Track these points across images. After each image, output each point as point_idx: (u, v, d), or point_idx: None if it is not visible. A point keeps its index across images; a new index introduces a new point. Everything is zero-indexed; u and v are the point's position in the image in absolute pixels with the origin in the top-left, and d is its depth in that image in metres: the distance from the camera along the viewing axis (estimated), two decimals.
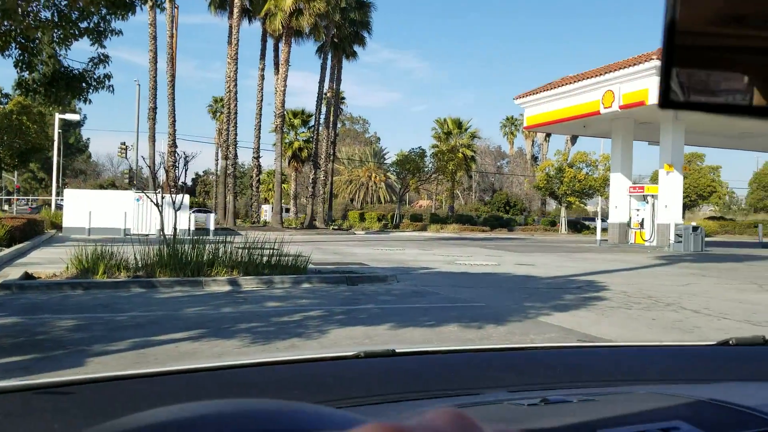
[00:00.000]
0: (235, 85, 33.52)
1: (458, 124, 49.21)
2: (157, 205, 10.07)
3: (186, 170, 11.65)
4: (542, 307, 7.84)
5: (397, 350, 1.35)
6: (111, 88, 8.04)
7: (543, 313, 7.41)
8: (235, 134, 33.49)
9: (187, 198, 28.24)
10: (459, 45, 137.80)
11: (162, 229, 10.13)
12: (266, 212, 42.74)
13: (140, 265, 9.60)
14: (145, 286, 8.91)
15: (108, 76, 7.82)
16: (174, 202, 10.01)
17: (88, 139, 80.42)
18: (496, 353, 1.57)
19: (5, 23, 6.67)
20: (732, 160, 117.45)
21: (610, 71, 24.53)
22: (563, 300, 8.61)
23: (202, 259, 9.71)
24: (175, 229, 9.89)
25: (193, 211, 28.64)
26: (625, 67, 23.88)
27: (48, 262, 11.55)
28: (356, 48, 38.97)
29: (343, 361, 1.31)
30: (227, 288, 9.08)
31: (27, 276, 9.20)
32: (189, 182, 75.90)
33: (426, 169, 44.36)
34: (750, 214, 57.74)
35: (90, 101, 7.89)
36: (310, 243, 22.82)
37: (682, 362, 1.53)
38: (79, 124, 72.65)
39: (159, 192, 11.79)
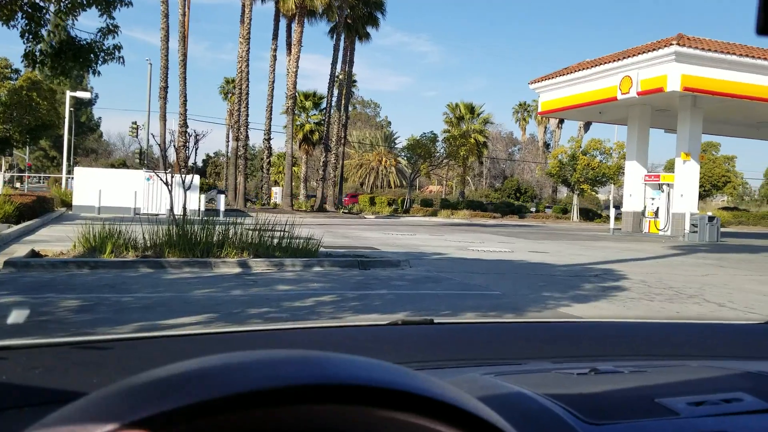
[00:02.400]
0: (247, 65, 33.20)
1: (470, 109, 48.71)
2: (166, 184, 9.86)
3: (196, 149, 11.45)
4: (561, 298, 7.59)
5: (435, 320, 1.33)
6: (121, 60, 7.77)
7: (563, 303, 7.16)
8: (247, 115, 33.22)
9: (197, 178, 28.07)
10: (472, 29, 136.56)
11: (171, 208, 9.93)
12: (276, 194, 42.58)
13: (149, 245, 9.41)
14: (153, 267, 8.73)
15: (118, 47, 7.56)
16: (183, 182, 9.80)
17: (100, 118, 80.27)
18: (537, 325, 1.52)
19: None
20: (746, 150, 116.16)
21: (629, 56, 24.04)
22: (582, 290, 8.36)
23: (211, 239, 9.52)
24: (184, 209, 9.69)
25: (209, 192, 28.71)
26: (644, 53, 23.38)
27: (56, 240, 11.39)
28: (369, 29, 38.49)
29: (381, 328, 1.30)
30: (237, 270, 8.88)
31: (33, 254, 9.04)
32: (200, 163, 76.04)
33: (437, 155, 43.99)
34: (763, 205, 57.08)
35: (99, 73, 7.62)
36: (321, 226, 22.62)
37: (731, 338, 1.50)
38: (90, 103, 72.55)
39: (169, 172, 11.60)
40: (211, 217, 10.84)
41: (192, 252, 9.14)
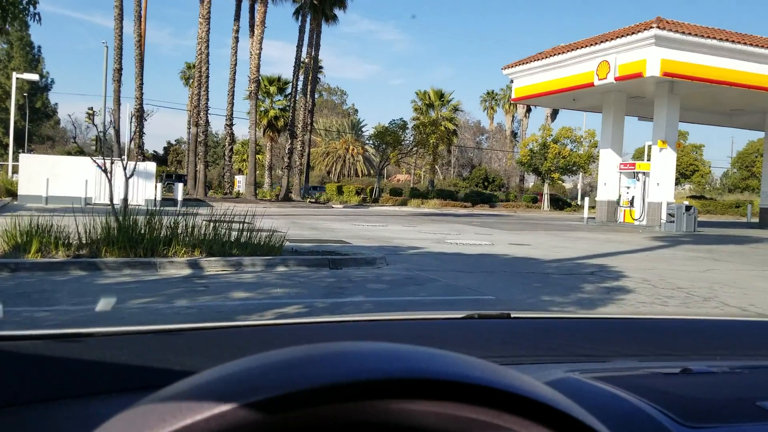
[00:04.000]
0: (207, 46, 31.51)
1: (440, 96, 47.72)
2: (105, 171, 8.52)
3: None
4: (564, 303, 6.56)
5: (512, 314, 1.26)
6: (36, 18, 6.45)
7: (568, 311, 6.12)
8: (207, 99, 31.57)
9: (152, 165, 26.50)
10: (439, 17, 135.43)
11: (111, 199, 8.60)
12: (240, 183, 41.00)
13: (84, 243, 8.10)
14: (86, 269, 7.43)
15: (33, 2, 6.22)
16: (125, 168, 8.48)
17: (56, 104, 76.89)
18: (621, 321, 1.45)
19: None
20: (707, 138, 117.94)
21: (606, 41, 23.21)
22: (584, 292, 7.34)
23: (158, 235, 8.23)
24: (126, 199, 8.39)
25: (166, 180, 27.07)
26: (622, 36, 22.56)
27: None
28: (336, 11, 37.03)
29: (456, 321, 1.25)
30: (186, 272, 7.63)
31: None
32: (161, 151, 73.59)
33: (406, 142, 42.87)
34: (725, 194, 57.51)
35: (7, 32, 6.33)
36: (286, 217, 21.35)
37: None
38: (46, 89, 69.42)
39: (123, 158, 10.29)
40: (161, 208, 9.57)
41: (134, 250, 7.86)
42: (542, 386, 0.51)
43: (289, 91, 40.49)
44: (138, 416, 0.45)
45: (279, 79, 44.13)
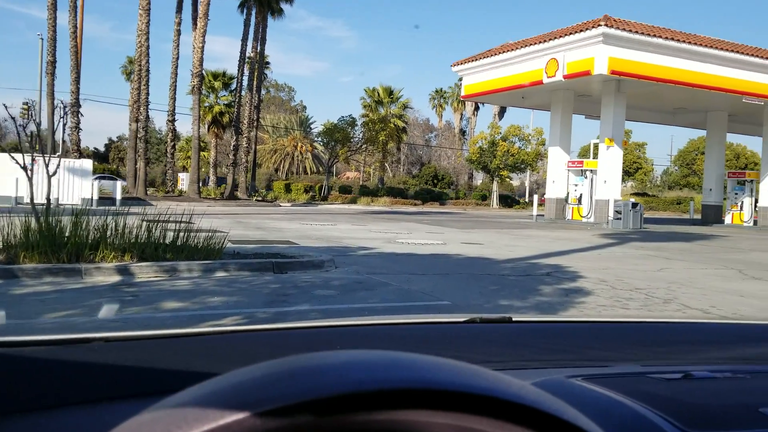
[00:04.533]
0: (147, 39, 30.25)
1: (389, 93, 47.37)
2: (24, 168, 7.74)
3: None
4: (523, 308, 6.20)
5: (513, 318, 1.24)
6: None
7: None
8: (147, 94, 30.30)
9: (88, 163, 25.24)
10: (387, 14, 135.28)
11: (31, 199, 7.82)
12: (183, 181, 39.73)
13: (1, 247, 7.32)
14: (2, 276, 6.68)
15: None
16: (47, 165, 7.71)
17: None
18: (623, 325, 1.42)
19: None
20: (648, 137, 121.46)
21: (555, 38, 23.23)
22: (542, 294, 7.01)
23: (84, 238, 7.51)
24: (48, 199, 7.62)
25: (96, 178, 25.66)
26: (570, 34, 22.62)
27: None
28: (283, 5, 36.20)
29: (456, 325, 1.23)
30: (115, 279, 6.96)
31: None
32: (101, 147, 71.01)
33: (355, 140, 42.34)
34: (665, 191, 59.09)
35: None
36: (230, 216, 20.57)
37: None
38: None
39: (58, 155, 9.51)
40: (96, 207, 8.82)
41: (56, 255, 7.13)
42: (547, 396, 0.51)
43: (234, 86, 39.40)
44: (144, 425, 0.45)
45: (224, 74, 42.93)
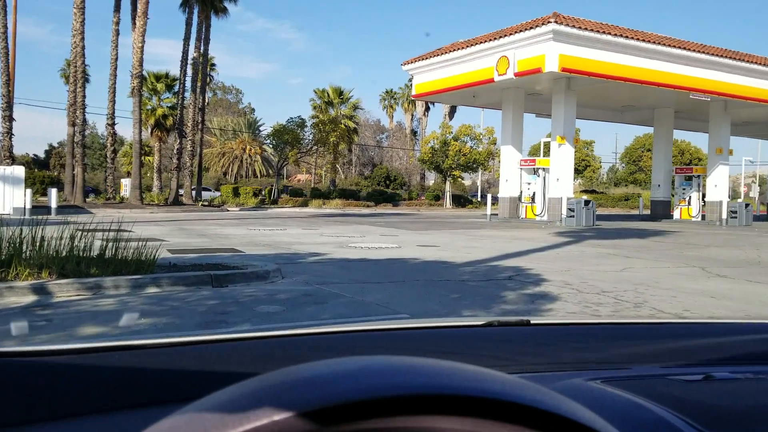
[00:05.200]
0: (83, 39, 28.75)
1: (339, 94, 46.67)
2: None
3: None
4: (488, 318, 5.64)
5: (531, 321, 1.25)
6: None
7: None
8: (83, 96, 28.79)
9: (20, 170, 23.77)
10: (336, 16, 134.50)
11: None
12: (126, 187, 38.15)
13: None
14: None
15: None
16: None
17: None
18: (641, 326, 1.37)
19: None
20: (595, 135, 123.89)
21: (505, 36, 23.00)
22: (507, 302, 6.49)
23: None
24: None
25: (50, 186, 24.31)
26: (520, 31, 22.41)
27: None
28: (227, 4, 35.05)
29: (474, 329, 1.23)
30: (30, 299, 6.12)
31: None
32: (41, 154, 68.00)
33: (305, 141, 41.47)
34: (611, 187, 60.09)
35: None
36: (173, 222, 19.58)
37: None
38: None
39: None
40: (29, 217, 7.89)
41: None
42: (564, 399, 0.51)
43: (177, 87, 38.03)
44: (180, 425, 0.45)
45: (167, 75, 41.44)
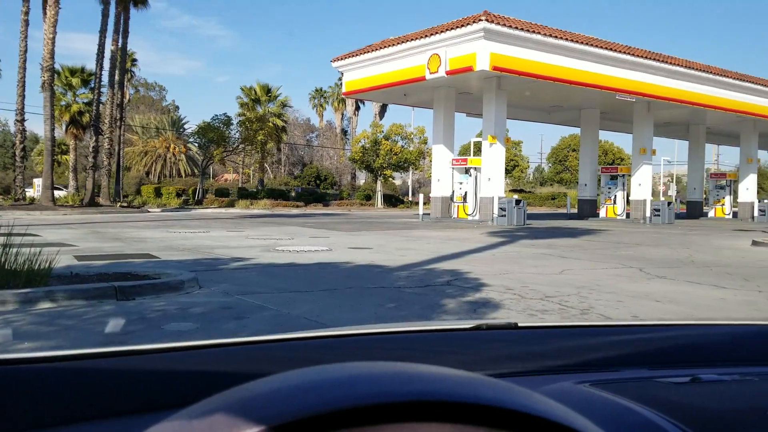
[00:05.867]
0: None
1: (267, 91, 45.49)
2: None
3: None
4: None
5: (519, 324, 1.23)
6: None
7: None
8: None
9: None
10: (264, 13, 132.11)
11: None
12: (39, 187, 35.80)
13: None
14: None
15: None
16: None
17: None
18: (628, 329, 1.32)
19: None
20: (522, 135, 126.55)
21: (436, 33, 22.70)
22: (448, 311, 5.98)
23: None
24: None
25: None
26: (452, 29, 22.15)
27: None
28: None
29: (461, 333, 1.20)
30: None
31: None
32: None
33: (232, 140, 40.11)
34: (537, 187, 61.37)
35: None
36: (86, 225, 18.23)
37: None
38: None
39: None
40: None
41: None
42: (554, 404, 0.51)
43: (93, 83, 35.97)
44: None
45: (83, 70, 39.17)
